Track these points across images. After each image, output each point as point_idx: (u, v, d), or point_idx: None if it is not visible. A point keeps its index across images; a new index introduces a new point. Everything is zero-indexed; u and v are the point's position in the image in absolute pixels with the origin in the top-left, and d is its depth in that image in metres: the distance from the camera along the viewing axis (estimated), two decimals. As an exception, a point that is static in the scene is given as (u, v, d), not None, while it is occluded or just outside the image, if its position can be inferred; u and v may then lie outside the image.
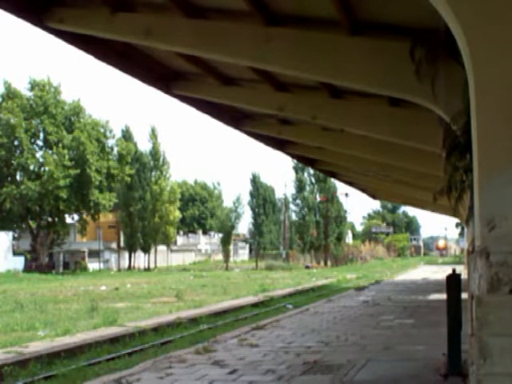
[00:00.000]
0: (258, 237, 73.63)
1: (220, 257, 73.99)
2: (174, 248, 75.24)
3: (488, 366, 3.06)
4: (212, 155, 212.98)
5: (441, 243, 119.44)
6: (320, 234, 73.02)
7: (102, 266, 58.65)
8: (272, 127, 14.16)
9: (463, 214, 12.32)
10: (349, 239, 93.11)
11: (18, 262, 50.31)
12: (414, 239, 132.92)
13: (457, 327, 8.27)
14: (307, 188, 73.80)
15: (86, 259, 57.89)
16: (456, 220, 41.58)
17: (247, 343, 11.80)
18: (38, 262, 52.62)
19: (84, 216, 56.69)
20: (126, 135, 61.36)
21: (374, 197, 33.12)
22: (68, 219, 57.36)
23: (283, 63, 7.43)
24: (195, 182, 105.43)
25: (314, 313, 17.80)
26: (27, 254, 53.43)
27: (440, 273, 36.74)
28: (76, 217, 57.48)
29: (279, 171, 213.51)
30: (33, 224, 54.57)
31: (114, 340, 14.52)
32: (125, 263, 63.12)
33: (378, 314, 16.89)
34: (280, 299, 25.70)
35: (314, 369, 9.11)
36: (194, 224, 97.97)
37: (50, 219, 54.82)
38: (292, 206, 75.86)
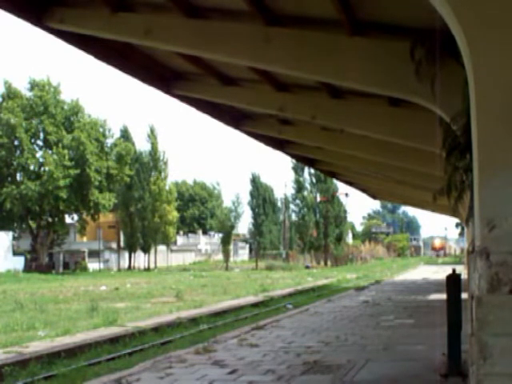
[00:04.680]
0: (258, 237, 73.62)
1: (220, 257, 73.96)
2: (174, 248, 75.22)
3: (488, 365, 3.05)
4: (212, 155, 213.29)
5: (437, 243, 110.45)
6: (320, 234, 73.01)
7: (101, 266, 58.62)
8: (272, 127, 14.15)
9: (463, 214, 12.32)
10: (349, 239, 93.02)
11: (18, 262, 50.29)
12: (414, 239, 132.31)
13: (457, 327, 8.26)
14: (307, 188, 73.82)
15: (86, 259, 57.87)
16: (456, 220, 41.59)
17: (247, 343, 11.79)
18: (38, 261, 52.65)
19: (84, 216, 56.70)
20: (125, 135, 61.36)
21: (374, 197, 33.11)
22: (68, 219, 57.40)
23: (283, 63, 7.43)
24: (194, 182, 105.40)
25: (314, 313, 17.79)
26: (27, 253, 53.45)
27: (440, 273, 36.72)
28: (76, 217, 57.50)
29: (279, 171, 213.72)
30: (33, 224, 54.56)
31: (114, 340, 14.51)
32: (125, 263, 63.11)
33: (377, 314, 16.88)
34: (280, 299, 25.71)
35: (314, 369, 9.10)
36: (193, 224, 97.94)
37: (49, 219, 54.83)
38: (292, 206, 75.98)
